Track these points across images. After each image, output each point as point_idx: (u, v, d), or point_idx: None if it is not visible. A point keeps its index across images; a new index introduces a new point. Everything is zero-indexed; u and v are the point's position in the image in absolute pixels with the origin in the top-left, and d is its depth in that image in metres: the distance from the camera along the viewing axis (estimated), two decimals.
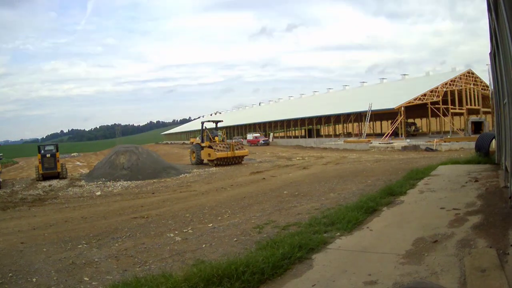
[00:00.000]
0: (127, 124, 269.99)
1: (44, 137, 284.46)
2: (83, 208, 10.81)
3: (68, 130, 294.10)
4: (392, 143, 31.49)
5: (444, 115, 40.12)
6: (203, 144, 25.69)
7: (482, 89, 43.13)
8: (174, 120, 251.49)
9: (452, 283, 3.59)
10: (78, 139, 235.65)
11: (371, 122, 49.48)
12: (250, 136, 56.76)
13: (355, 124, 49.98)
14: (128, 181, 17.24)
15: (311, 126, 52.89)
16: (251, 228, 6.78)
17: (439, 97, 39.31)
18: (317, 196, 9.64)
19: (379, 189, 9.00)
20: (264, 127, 60.99)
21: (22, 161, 51.99)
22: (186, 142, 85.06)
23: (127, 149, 20.62)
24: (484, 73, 39.42)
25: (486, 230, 5.07)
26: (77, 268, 5.32)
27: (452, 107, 40.21)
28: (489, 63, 11.70)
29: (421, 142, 29.07)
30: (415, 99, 38.35)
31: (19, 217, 10.01)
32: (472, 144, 18.69)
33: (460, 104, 40.69)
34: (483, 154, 13.10)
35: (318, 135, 53.35)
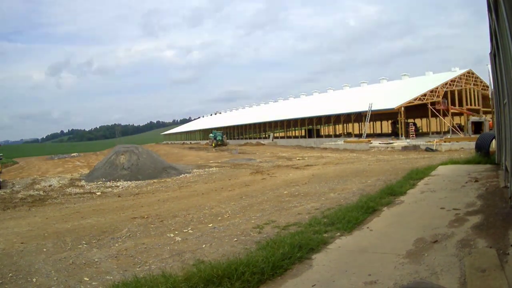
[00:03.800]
0: (127, 124, 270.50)
1: (44, 137, 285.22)
2: (83, 208, 10.80)
3: (68, 130, 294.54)
4: (392, 143, 31.49)
5: (444, 115, 40.14)
6: None
7: (482, 89, 43.13)
8: (174, 120, 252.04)
9: (452, 283, 3.59)
10: (78, 139, 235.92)
11: (371, 122, 49.47)
12: None
13: (355, 124, 50.00)
14: (128, 181, 17.23)
15: (311, 126, 52.90)
16: (251, 228, 6.78)
17: (439, 97, 39.33)
18: (317, 196, 9.64)
19: (379, 189, 9.01)
20: (264, 127, 61.01)
21: (22, 161, 52.01)
22: (186, 142, 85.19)
23: (127, 149, 20.61)
24: (484, 73, 39.48)
25: (486, 230, 5.07)
26: (77, 268, 5.31)
27: (452, 107, 40.23)
28: (489, 63, 11.69)
29: (421, 142, 29.06)
30: (415, 99, 38.37)
31: (19, 217, 10.00)
32: (472, 144, 18.69)
33: (460, 104, 40.70)
34: (483, 154, 13.10)
35: (318, 135, 53.34)
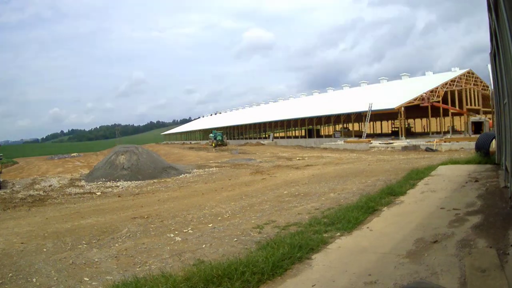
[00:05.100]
0: (127, 124, 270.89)
1: (44, 137, 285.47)
2: (83, 208, 10.80)
3: (68, 130, 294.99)
4: (392, 143, 31.49)
5: (444, 115, 40.11)
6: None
7: (482, 89, 43.14)
8: (174, 120, 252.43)
9: (452, 283, 3.59)
10: (78, 139, 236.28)
11: (371, 122, 49.50)
12: None
13: (355, 124, 50.01)
14: (128, 181, 17.23)
15: (311, 126, 52.93)
16: (251, 228, 6.78)
17: (439, 97, 39.34)
18: (317, 196, 9.64)
19: (379, 189, 9.01)
20: (264, 127, 61.01)
21: (22, 161, 52.00)
22: (186, 142, 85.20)
23: (127, 149, 20.60)
24: (484, 73, 39.45)
25: (486, 230, 5.07)
26: (77, 268, 5.31)
27: (453, 108, 40.22)
28: (489, 63, 11.69)
29: (421, 142, 29.06)
30: (415, 99, 38.37)
31: (19, 217, 10.00)
32: (472, 144, 18.68)
33: (460, 104, 40.70)
34: (483, 154, 13.10)
35: (318, 135, 53.38)
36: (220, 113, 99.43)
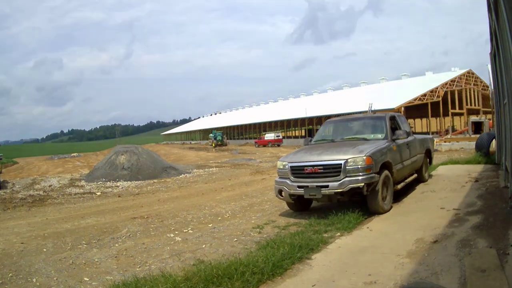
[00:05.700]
0: (127, 124, 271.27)
1: (44, 137, 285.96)
2: (83, 209, 10.80)
3: (68, 130, 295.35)
4: None
5: (445, 115, 40.15)
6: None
7: (482, 89, 43.17)
8: (174, 120, 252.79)
9: (452, 283, 3.59)
10: (78, 139, 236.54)
11: None
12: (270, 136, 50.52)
13: None
14: (128, 181, 17.22)
15: (311, 126, 52.95)
16: (251, 228, 6.79)
17: (439, 97, 39.37)
18: None
19: None
20: (264, 127, 61.01)
21: (22, 161, 51.99)
22: (186, 142, 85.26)
23: (127, 149, 20.57)
24: (484, 73, 39.48)
25: (486, 230, 5.07)
26: (77, 268, 5.31)
27: (453, 110, 40.23)
28: (489, 63, 11.70)
29: None
30: (415, 99, 38.43)
31: (19, 217, 9.99)
32: (472, 144, 18.69)
33: (460, 104, 40.73)
34: (483, 154, 13.11)
35: None
36: (220, 113, 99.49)
